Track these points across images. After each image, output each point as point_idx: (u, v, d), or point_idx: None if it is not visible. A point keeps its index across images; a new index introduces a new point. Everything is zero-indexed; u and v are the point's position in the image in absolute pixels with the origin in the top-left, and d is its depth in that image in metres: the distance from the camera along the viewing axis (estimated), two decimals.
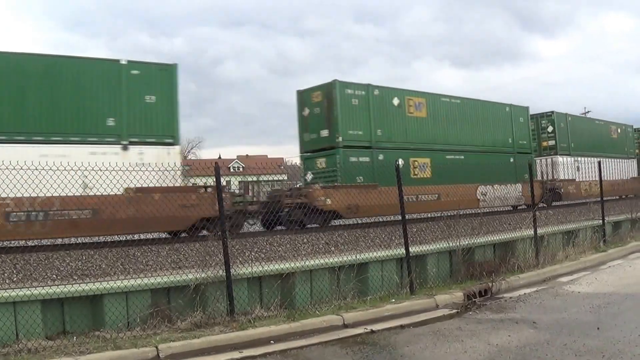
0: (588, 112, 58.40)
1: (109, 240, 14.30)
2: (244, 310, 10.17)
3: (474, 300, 11.38)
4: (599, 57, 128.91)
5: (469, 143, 24.16)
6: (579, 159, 30.96)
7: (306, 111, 21.21)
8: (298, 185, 21.78)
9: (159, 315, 9.68)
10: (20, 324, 8.88)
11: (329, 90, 20.32)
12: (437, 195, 21.19)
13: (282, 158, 74.24)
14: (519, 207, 24.80)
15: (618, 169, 33.55)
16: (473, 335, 8.74)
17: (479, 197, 22.70)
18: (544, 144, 30.83)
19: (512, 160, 25.85)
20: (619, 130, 36.40)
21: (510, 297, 11.64)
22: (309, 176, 20.88)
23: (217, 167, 10.17)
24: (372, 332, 9.25)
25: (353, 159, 20.00)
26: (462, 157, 23.59)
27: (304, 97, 21.38)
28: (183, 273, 10.74)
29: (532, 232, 15.19)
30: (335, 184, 19.00)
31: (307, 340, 8.84)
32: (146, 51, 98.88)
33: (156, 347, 8.00)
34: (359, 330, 9.35)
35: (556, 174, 29.42)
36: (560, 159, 30.04)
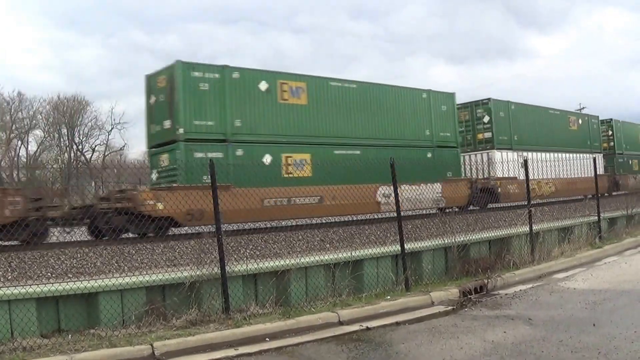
0: (583, 108, 56.12)
1: (104, 238, 14.24)
2: (239, 308, 10.16)
3: (469, 296, 11.39)
4: (594, 53, 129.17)
5: (369, 136, 20.53)
6: (525, 154, 25.94)
7: (152, 99, 17.94)
8: (124, 187, 17.57)
9: (154, 313, 9.65)
10: (15, 322, 8.82)
11: (171, 73, 17.01)
12: (318, 197, 18.03)
13: None
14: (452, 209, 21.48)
15: (581, 166, 29.27)
16: (469, 332, 8.75)
17: (379, 200, 19.28)
18: (479, 136, 27.24)
19: (429, 155, 22.23)
20: (579, 122, 33.17)
21: (506, 294, 11.65)
22: (154, 175, 17.84)
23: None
24: (368, 329, 9.26)
25: (199, 155, 16.41)
26: (359, 152, 19.80)
27: (150, 82, 18.05)
28: (178, 270, 10.70)
29: (528, 229, 15.22)
30: (173, 184, 16.14)
31: (302, 337, 8.84)
32: (140, 48, 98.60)
33: (151, 345, 7.99)
34: (355, 327, 9.35)
35: (493, 171, 25.99)
36: (498, 154, 26.35)
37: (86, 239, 14.23)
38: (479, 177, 25.64)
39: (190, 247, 12.57)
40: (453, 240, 13.81)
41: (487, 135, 26.85)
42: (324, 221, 17.48)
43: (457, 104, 26.01)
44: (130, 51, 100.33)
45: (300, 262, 11.61)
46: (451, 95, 23.94)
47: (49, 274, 10.88)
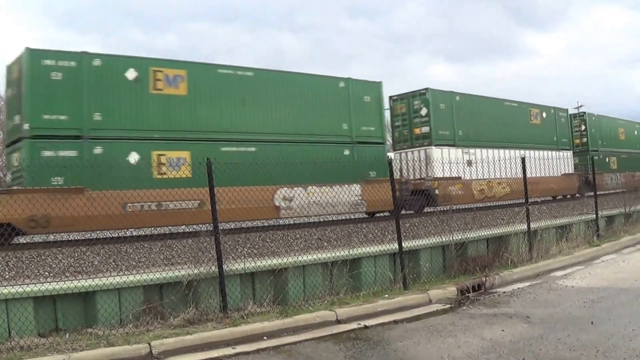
0: (581, 106, 54.16)
1: (102, 237, 14.22)
2: (236, 307, 10.14)
3: (467, 295, 11.40)
4: (593, 51, 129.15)
5: (268, 130, 18.02)
6: (473, 151, 24.19)
7: (9, 92, 16.01)
8: None
9: (152, 311, 9.64)
10: (12, 321, 8.80)
11: (20, 62, 14.83)
12: (198, 202, 15.14)
13: None
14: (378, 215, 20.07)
15: (550, 164, 26.73)
16: (466, 330, 8.74)
17: (278, 204, 17.12)
18: (417, 131, 23.97)
19: (347, 153, 19.48)
20: (544, 115, 29.82)
21: (504, 292, 11.66)
22: (9, 177, 15.81)
23: None
24: (366, 327, 9.26)
25: (49, 154, 14.38)
26: (254, 149, 17.41)
27: (7, 73, 16.04)
28: (175, 269, 10.70)
29: (526, 227, 15.21)
30: (14, 187, 14.36)
31: (300, 335, 8.84)
32: (139, 47, 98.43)
33: (149, 344, 7.98)
34: (352, 325, 9.35)
35: (431, 170, 22.73)
36: (436, 151, 23.12)
37: (83, 238, 14.20)
38: (414, 177, 23.16)
39: (187, 246, 12.56)
40: (451, 238, 13.80)
41: (425, 129, 23.77)
42: (322, 220, 17.48)
43: (395, 95, 24.78)
44: (129, 50, 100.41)
45: (298, 260, 11.60)
46: (377, 85, 21.01)
47: (46, 273, 10.86)
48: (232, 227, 16.22)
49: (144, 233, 15.49)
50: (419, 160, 23.37)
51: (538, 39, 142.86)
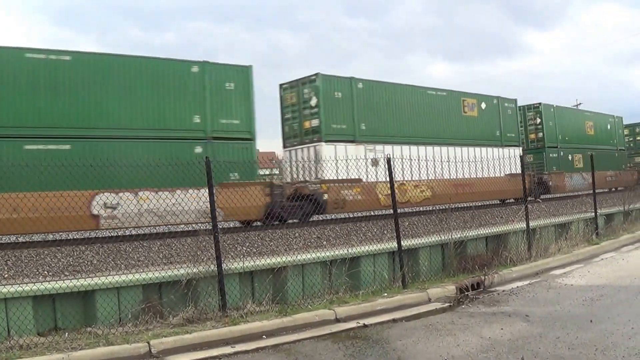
0: (580, 104, 52.50)
1: (101, 236, 14.22)
2: (236, 305, 10.14)
3: (466, 293, 11.39)
4: (592, 49, 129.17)
5: (88, 125, 15.12)
6: (380, 147, 20.54)
7: None
8: None
9: (151, 310, 9.64)
10: (11, 320, 8.81)
11: None
12: None
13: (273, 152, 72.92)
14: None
15: (493, 163, 23.77)
16: (466, 329, 8.74)
17: (97, 213, 14.47)
18: (306, 124, 20.17)
19: (198, 150, 16.30)
20: (482, 106, 25.61)
21: (503, 290, 11.65)
22: None
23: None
24: (365, 326, 9.25)
25: None
26: (68, 147, 14.62)
27: None
28: (175, 268, 10.71)
29: (525, 225, 15.21)
30: None
31: (299, 334, 8.84)
32: (137, 45, 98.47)
33: (148, 343, 7.98)
34: (352, 324, 9.35)
35: (321, 171, 19.27)
36: (327, 148, 19.37)
37: (83, 237, 14.20)
38: (307, 179, 19.33)
39: (186, 245, 12.56)
40: (450, 237, 13.79)
41: (315, 123, 19.92)
42: (321, 218, 17.49)
43: (285, 83, 21.26)
44: (127, 48, 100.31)
45: (297, 259, 11.61)
46: (244, 70, 17.76)
47: (45, 272, 10.88)
48: (232, 226, 16.23)
49: (142, 232, 15.46)
50: (309, 160, 19.72)
51: (537, 37, 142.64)
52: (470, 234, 14.57)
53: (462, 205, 17.86)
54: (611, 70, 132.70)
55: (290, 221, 16.66)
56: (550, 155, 30.18)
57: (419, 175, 20.84)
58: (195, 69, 16.79)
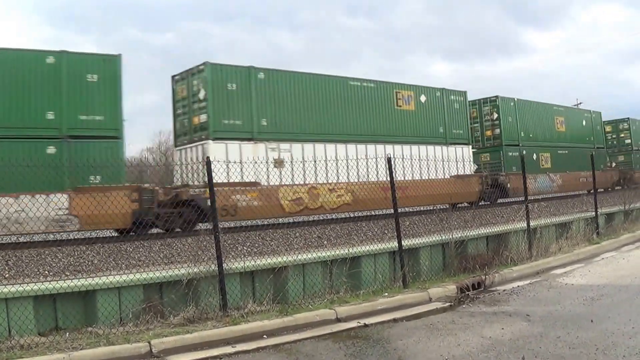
0: (580, 103, 51.74)
1: (101, 236, 14.22)
2: (236, 305, 10.14)
3: (467, 293, 11.39)
4: (591, 48, 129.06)
5: None
6: (286, 146, 18.36)
7: None
8: None
9: (152, 310, 9.65)
10: (12, 320, 8.81)
11: None
12: None
13: None
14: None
15: (434, 163, 21.81)
16: (466, 329, 8.74)
17: None
18: (195, 120, 17.95)
19: (51, 150, 14.50)
20: (421, 99, 22.92)
21: (504, 290, 11.65)
22: None
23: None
24: (365, 325, 9.25)
25: None
26: None
27: None
28: (175, 268, 10.70)
29: (525, 225, 15.20)
30: None
31: (300, 334, 8.84)
32: (136, 46, 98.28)
33: (149, 343, 7.98)
34: (352, 324, 9.35)
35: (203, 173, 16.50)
36: (215, 146, 17.07)
37: (83, 237, 14.20)
38: (196, 182, 17.28)
39: (187, 245, 12.57)
40: (450, 236, 13.79)
41: (203, 118, 17.70)
42: (321, 218, 17.48)
43: (177, 74, 19.03)
44: (126, 49, 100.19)
45: (298, 259, 11.61)
46: (111, 60, 15.80)
47: (46, 272, 10.88)
48: (232, 225, 16.23)
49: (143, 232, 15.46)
50: (197, 160, 17.39)
51: (537, 36, 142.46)
52: (471, 233, 14.57)
53: (404, 211, 16.28)
54: (613, 69, 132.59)
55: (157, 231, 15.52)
56: (510, 154, 26.95)
57: (337, 177, 18.88)
58: (50, 59, 14.80)
